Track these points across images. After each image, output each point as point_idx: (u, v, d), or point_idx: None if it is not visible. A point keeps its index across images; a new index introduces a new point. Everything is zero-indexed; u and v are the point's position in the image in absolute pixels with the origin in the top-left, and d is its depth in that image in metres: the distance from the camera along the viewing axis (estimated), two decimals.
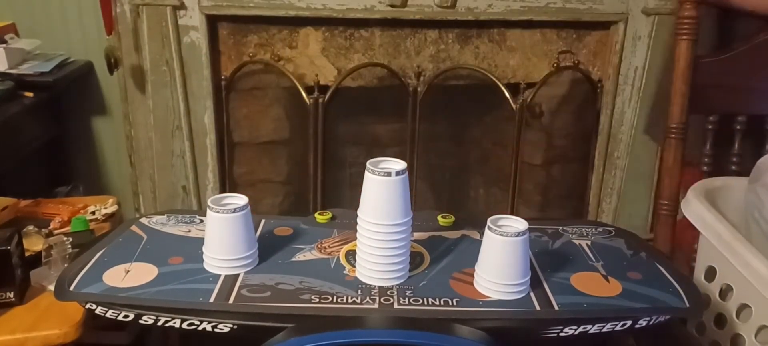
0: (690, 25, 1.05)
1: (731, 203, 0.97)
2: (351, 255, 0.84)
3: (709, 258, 0.96)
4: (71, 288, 0.77)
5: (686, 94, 1.06)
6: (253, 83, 1.69)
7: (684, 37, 1.05)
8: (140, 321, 0.74)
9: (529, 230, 0.76)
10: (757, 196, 0.92)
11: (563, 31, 1.77)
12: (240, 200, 0.81)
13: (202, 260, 0.81)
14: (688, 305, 0.76)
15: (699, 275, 0.98)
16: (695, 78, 1.06)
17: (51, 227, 1.18)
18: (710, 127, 1.25)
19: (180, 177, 1.68)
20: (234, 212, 0.79)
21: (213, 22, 1.59)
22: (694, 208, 0.95)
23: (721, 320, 0.94)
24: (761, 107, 1.11)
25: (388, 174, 0.74)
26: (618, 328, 0.74)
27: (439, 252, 0.86)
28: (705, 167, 1.20)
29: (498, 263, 0.75)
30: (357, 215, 0.78)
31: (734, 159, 1.15)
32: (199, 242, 0.83)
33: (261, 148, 1.77)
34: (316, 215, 0.96)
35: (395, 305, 0.74)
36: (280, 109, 1.74)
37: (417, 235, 0.89)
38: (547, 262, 0.85)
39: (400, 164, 0.77)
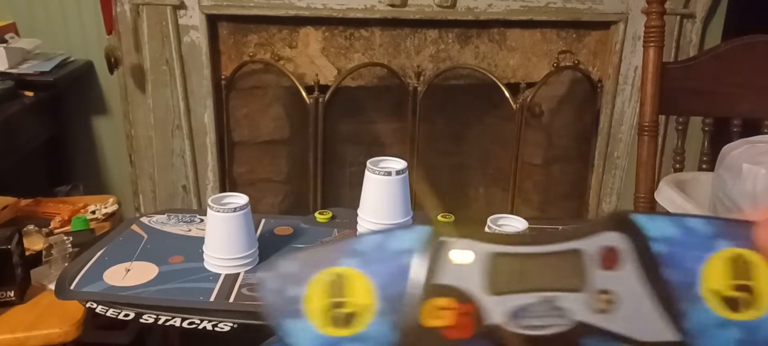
0: (656, 33, 1.14)
1: (700, 194, 1.07)
2: None
3: None
4: (72, 287, 0.77)
5: (656, 96, 1.16)
6: (253, 83, 1.69)
7: (651, 44, 1.15)
8: (141, 320, 0.74)
9: (529, 229, 0.76)
10: (721, 178, 1.00)
11: (563, 30, 1.77)
12: (240, 199, 0.81)
13: (203, 259, 0.81)
14: None
15: None
16: (663, 82, 1.16)
17: (51, 226, 1.18)
18: (680, 128, 1.36)
19: (180, 176, 1.68)
20: (234, 211, 0.79)
21: (213, 21, 1.59)
22: (665, 193, 1.05)
23: None
24: (725, 111, 1.20)
25: (389, 173, 0.74)
26: None
27: None
28: (677, 165, 1.30)
29: None
30: (357, 214, 0.79)
31: (704, 158, 1.25)
32: (200, 241, 0.83)
33: (261, 147, 1.77)
34: (317, 214, 0.96)
35: None
36: (280, 109, 1.74)
37: None
38: None
39: (400, 164, 0.77)
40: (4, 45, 1.50)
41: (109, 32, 1.52)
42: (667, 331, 0.29)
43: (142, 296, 0.75)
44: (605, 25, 1.77)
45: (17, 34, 1.58)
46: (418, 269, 0.31)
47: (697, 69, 1.19)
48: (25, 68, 1.50)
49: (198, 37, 1.56)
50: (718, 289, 0.30)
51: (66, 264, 0.92)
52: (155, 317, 0.73)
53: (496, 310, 0.30)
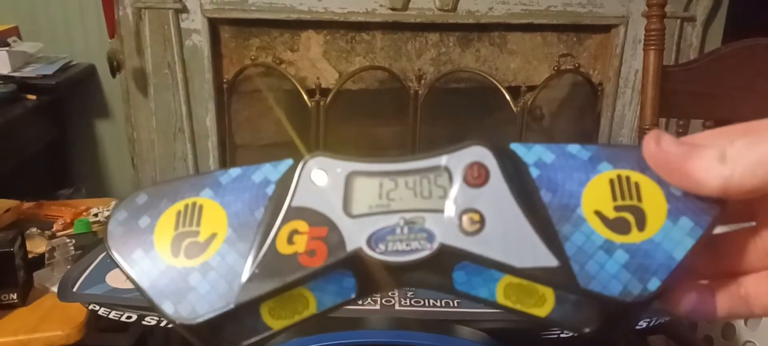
0: (657, 36, 1.15)
1: None
2: None
3: None
4: (74, 289, 0.77)
5: (656, 99, 1.17)
6: (255, 86, 1.70)
7: (652, 47, 1.15)
8: (143, 322, 0.74)
9: None
10: None
11: (564, 34, 1.78)
12: None
13: None
14: None
15: None
16: (663, 85, 1.17)
17: (54, 228, 1.18)
18: (681, 131, 1.37)
19: None
20: None
21: (215, 25, 1.59)
22: None
23: None
24: (725, 113, 1.20)
25: None
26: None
27: None
28: None
29: None
30: None
31: None
32: None
33: (263, 150, 1.77)
34: None
35: (396, 306, 0.74)
36: (282, 112, 1.75)
37: None
38: None
39: None
40: (7, 48, 1.50)
41: (112, 36, 1.52)
42: (547, 256, 0.26)
43: None
44: (606, 28, 1.77)
45: (20, 37, 1.59)
46: (274, 195, 0.29)
47: (697, 72, 1.19)
48: (27, 71, 1.50)
49: (200, 40, 1.57)
50: (603, 210, 0.27)
51: (68, 267, 0.93)
52: (158, 318, 0.73)
53: (355, 234, 0.27)
